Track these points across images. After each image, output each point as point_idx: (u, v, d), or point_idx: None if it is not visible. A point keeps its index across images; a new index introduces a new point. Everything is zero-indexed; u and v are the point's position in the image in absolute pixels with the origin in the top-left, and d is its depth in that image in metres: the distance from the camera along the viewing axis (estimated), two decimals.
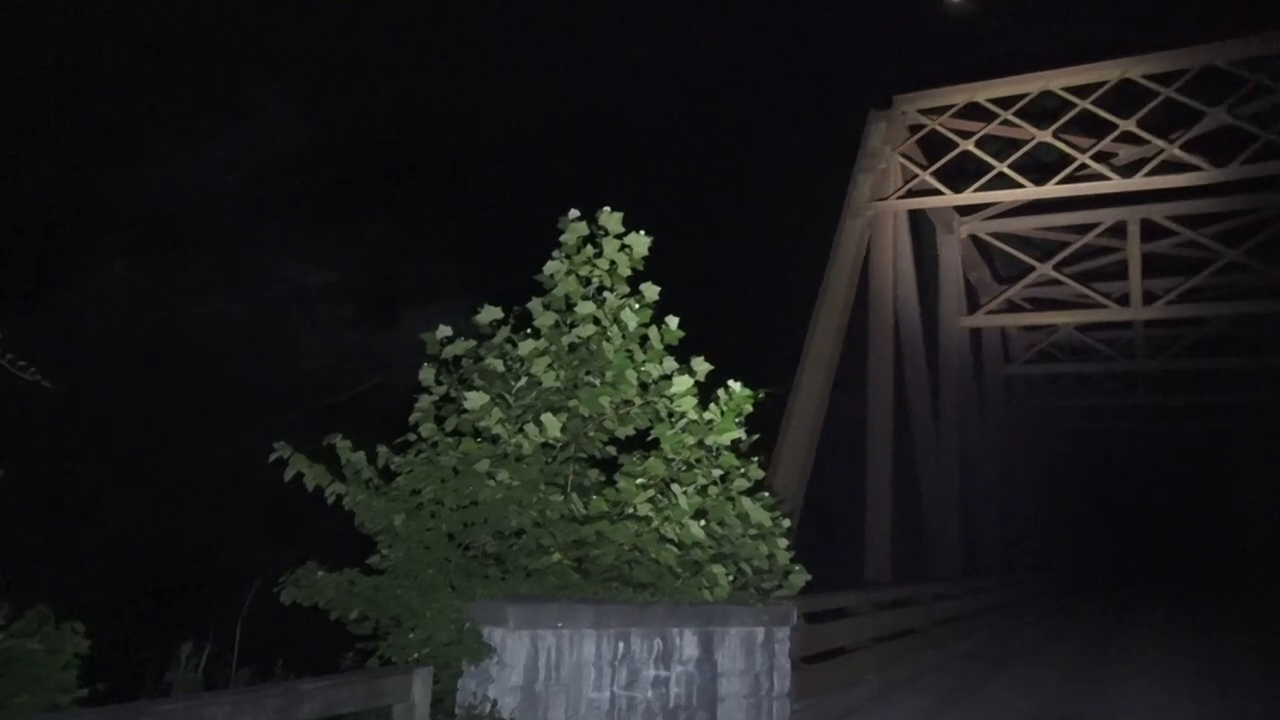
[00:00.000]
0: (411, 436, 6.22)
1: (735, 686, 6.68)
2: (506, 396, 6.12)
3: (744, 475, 7.07)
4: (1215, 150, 14.17)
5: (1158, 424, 32.19)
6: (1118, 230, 18.65)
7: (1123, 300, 18.56)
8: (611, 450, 6.84)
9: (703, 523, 6.30)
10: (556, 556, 6.16)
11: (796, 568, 7.50)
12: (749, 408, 6.57)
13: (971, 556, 19.10)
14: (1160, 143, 14.31)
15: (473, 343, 6.45)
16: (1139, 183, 14.51)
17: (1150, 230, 18.42)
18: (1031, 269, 19.68)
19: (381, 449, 6.00)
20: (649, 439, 6.72)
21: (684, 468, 6.40)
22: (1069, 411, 30.57)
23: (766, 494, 7.37)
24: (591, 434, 6.67)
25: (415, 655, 5.43)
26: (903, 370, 15.88)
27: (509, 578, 6.00)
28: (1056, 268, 19.24)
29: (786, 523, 7.47)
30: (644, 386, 6.76)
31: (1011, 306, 21.32)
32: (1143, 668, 12.99)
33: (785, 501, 8.71)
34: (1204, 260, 17.94)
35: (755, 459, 7.29)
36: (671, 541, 6.20)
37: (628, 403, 6.68)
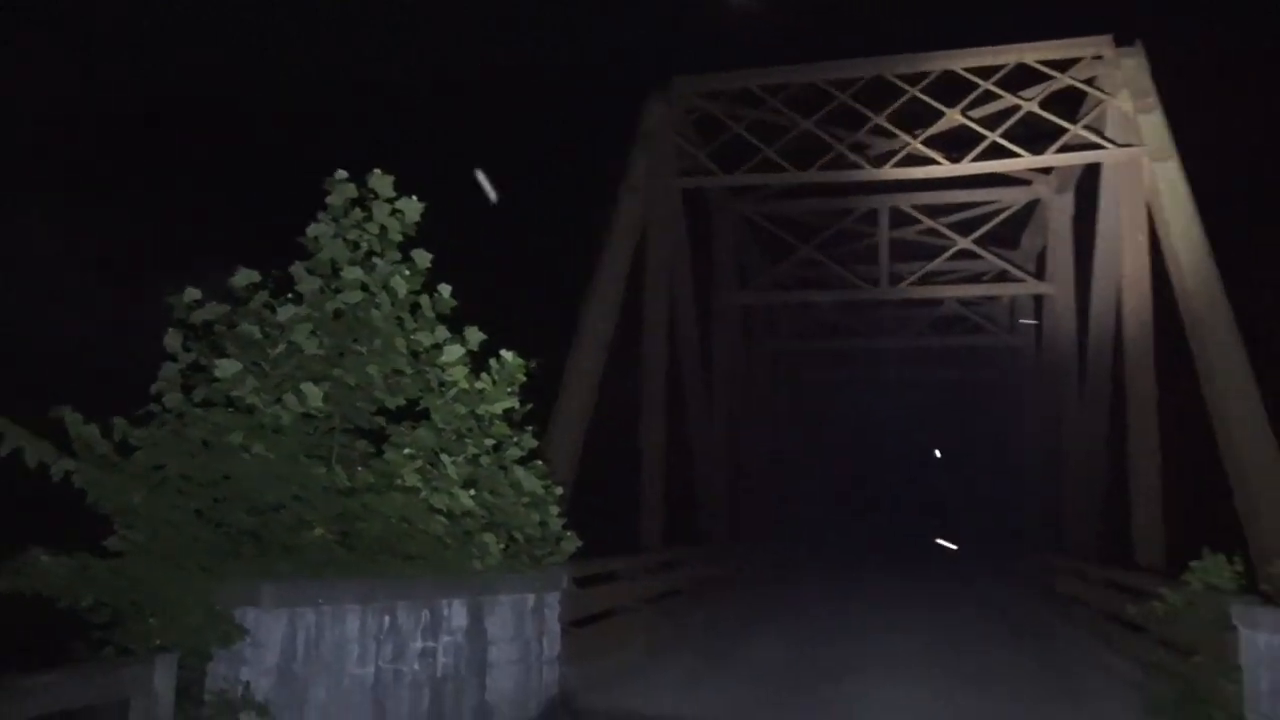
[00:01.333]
0: (156, 408, 5.76)
1: (505, 653, 6.73)
2: (263, 364, 5.78)
3: (517, 444, 7.11)
4: (951, 147, 15.68)
5: (906, 397, 35.38)
6: (871, 217, 20.23)
7: (874, 281, 20.18)
8: (380, 421, 6.67)
9: (473, 492, 6.28)
10: (319, 531, 5.94)
11: (568, 534, 7.65)
12: (522, 377, 6.60)
13: (738, 523, 20.24)
14: (906, 137, 15.63)
15: (225, 308, 6.04)
16: (887, 173, 15.80)
17: (898, 218, 20.12)
18: (796, 250, 20.99)
19: (119, 421, 5.50)
20: (419, 409, 6.60)
21: (455, 438, 6.34)
22: (830, 384, 32.93)
23: (540, 463, 7.46)
24: (359, 404, 6.46)
25: (158, 641, 5.06)
26: (677, 344, 16.48)
27: (267, 555, 5.72)
28: (818, 249, 20.62)
29: (559, 490, 7.60)
30: (415, 355, 6.63)
31: (779, 285, 22.62)
32: (878, 608, 14.42)
33: (558, 470, 8.84)
34: (941, 247, 19.84)
35: (529, 429, 7.34)
36: (441, 512, 6.14)
37: (398, 372, 6.53)
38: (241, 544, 5.67)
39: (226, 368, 5.60)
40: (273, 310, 6.09)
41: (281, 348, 5.83)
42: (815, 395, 33.65)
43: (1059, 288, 18.78)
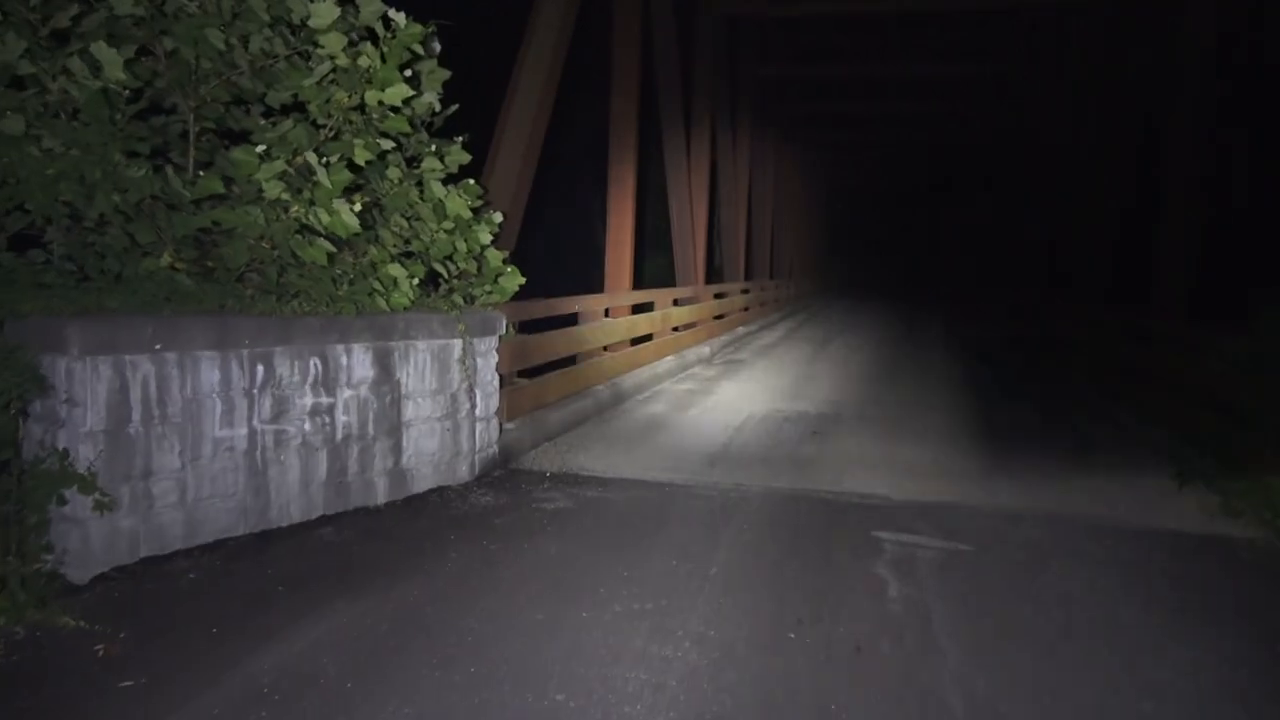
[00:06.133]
0: None
1: (426, 409, 5.56)
2: (30, 18, 4.07)
3: (435, 154, 5.58)
4: None
5: (903, 131, 33.07)
6: None
7: None
8: (259, 120, 5.09)
9: (358, 207, 4.78)
10: (166, 259, 4.53)
11: (510, 269, 6.30)
12: (417, 47, 4.86)
13: (711, 262, 19.04)
14: None
15: None
16: None
17: None
18: None
19: None
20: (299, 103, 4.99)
21: (333, 136, 4.76)
22: (822, 117, 30.54)
23: (473, 181, 5.96)
24: (213, 91, 4.83)
25: None
26: (652, 66, 14.37)
27: (90, 290, 4.33)
28: None
29: (498, 217, 6.15)
30: (290, 29, 4.92)
31: None
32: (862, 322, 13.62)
33: (502, 197, 7.33)
34: None
35: (458, 140, 5.77)
36: (319, 233, 4.69)
37: (268, 55, 4.85)
38: (44, 274, 4.25)
39: None
40: None
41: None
42: (808, 130, 31.40)
43: None
